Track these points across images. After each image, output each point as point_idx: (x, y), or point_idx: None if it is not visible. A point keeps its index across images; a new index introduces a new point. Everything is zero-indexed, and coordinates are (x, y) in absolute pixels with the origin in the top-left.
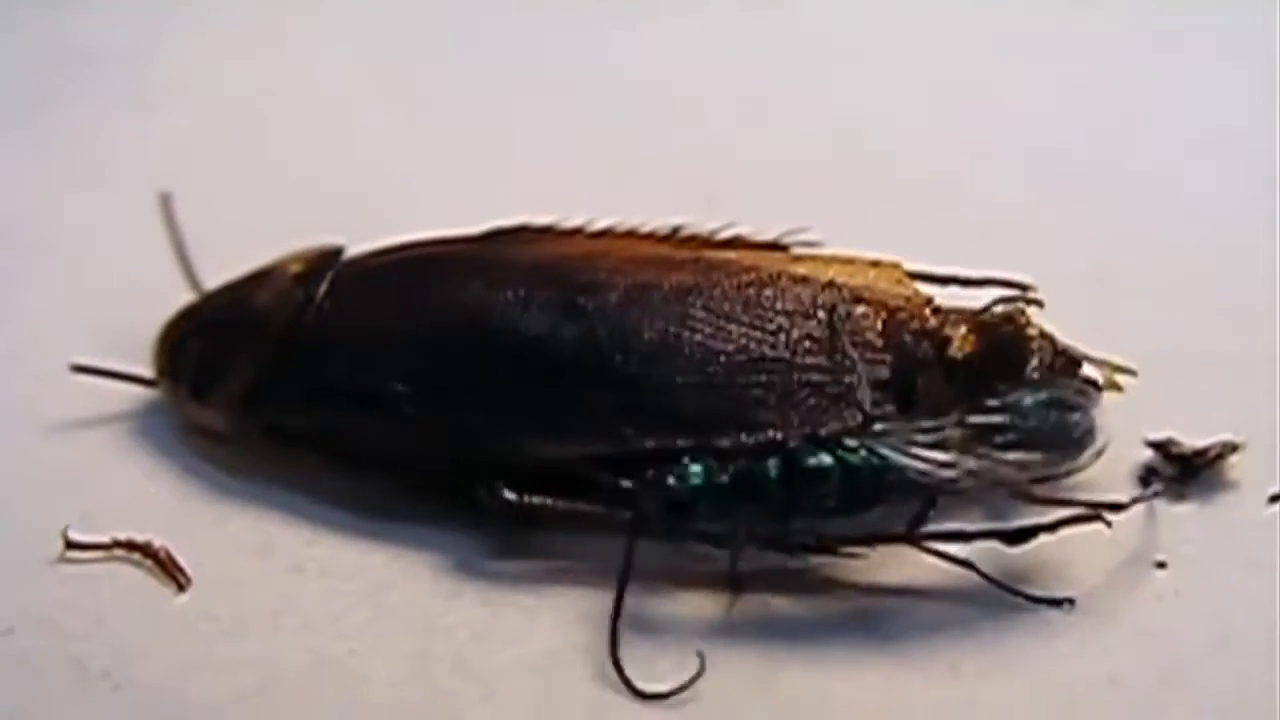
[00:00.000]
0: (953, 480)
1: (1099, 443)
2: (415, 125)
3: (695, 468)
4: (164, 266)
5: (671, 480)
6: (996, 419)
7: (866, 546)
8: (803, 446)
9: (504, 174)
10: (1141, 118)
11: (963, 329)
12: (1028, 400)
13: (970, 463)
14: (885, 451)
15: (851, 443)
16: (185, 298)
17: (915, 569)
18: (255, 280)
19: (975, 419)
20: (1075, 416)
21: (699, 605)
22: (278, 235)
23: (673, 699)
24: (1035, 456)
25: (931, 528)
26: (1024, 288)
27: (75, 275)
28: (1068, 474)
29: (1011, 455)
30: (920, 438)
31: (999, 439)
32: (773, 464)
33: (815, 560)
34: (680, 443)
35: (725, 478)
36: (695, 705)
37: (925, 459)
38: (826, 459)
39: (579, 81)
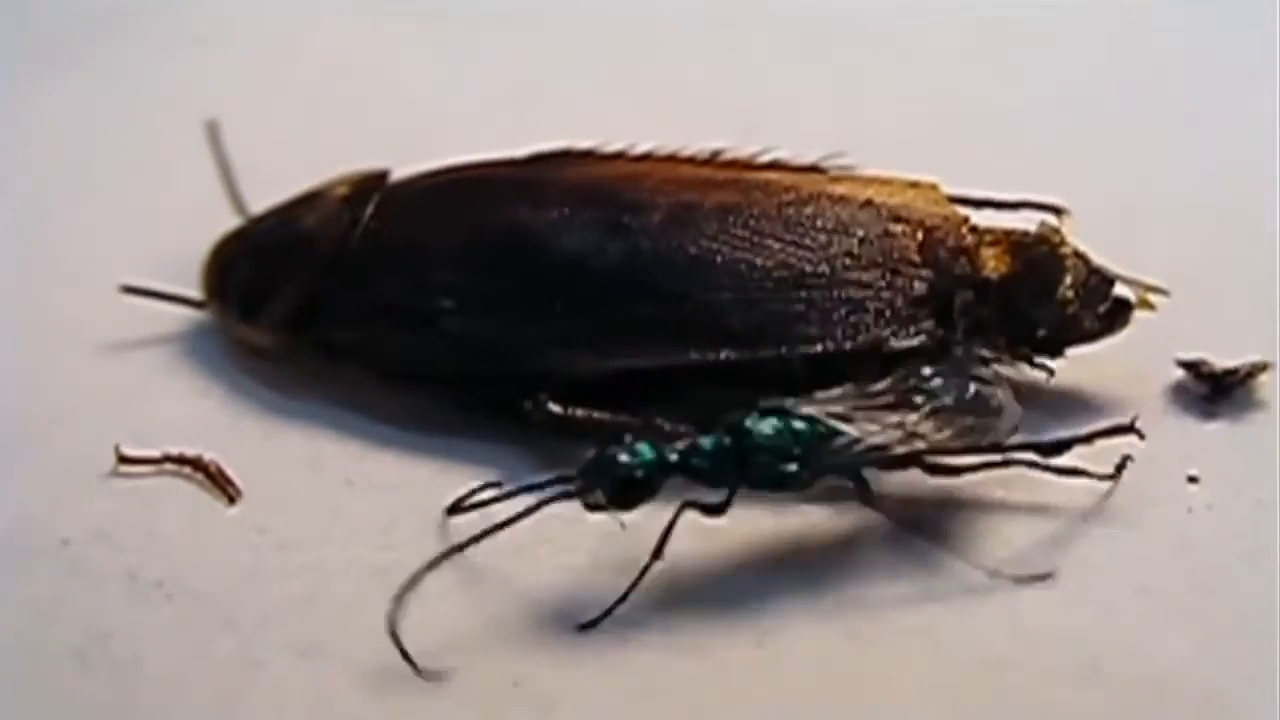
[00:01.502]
0: (886, 446)
1: (1013, 418)
2: (454, 56)
3: (643, 446)
4: (211, 193)
5: (623, 458)
6: (920, 395)
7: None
8: (751, 418)
9: (541, 104)
10: (1177, 48)
11: (998, 248)
12: (947, 378)
13: (907, 428)
14: (829, 422)
15: (797, 414)
16: (232, 223)
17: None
18: (303, 203)
19: (905, 391)
20: (989, 390)
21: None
22: (321, 163)
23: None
24: (963, 423)
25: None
26: (1058, 210)
27: (125, 202)
28: (989, 443)
29: (938, 423)
30: (858, 407)
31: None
32: (717, 438)
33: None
34: (724, 355)
35: (674, 455)
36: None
37: (866, 429)
38: (769, 429)
39: (615, 10)
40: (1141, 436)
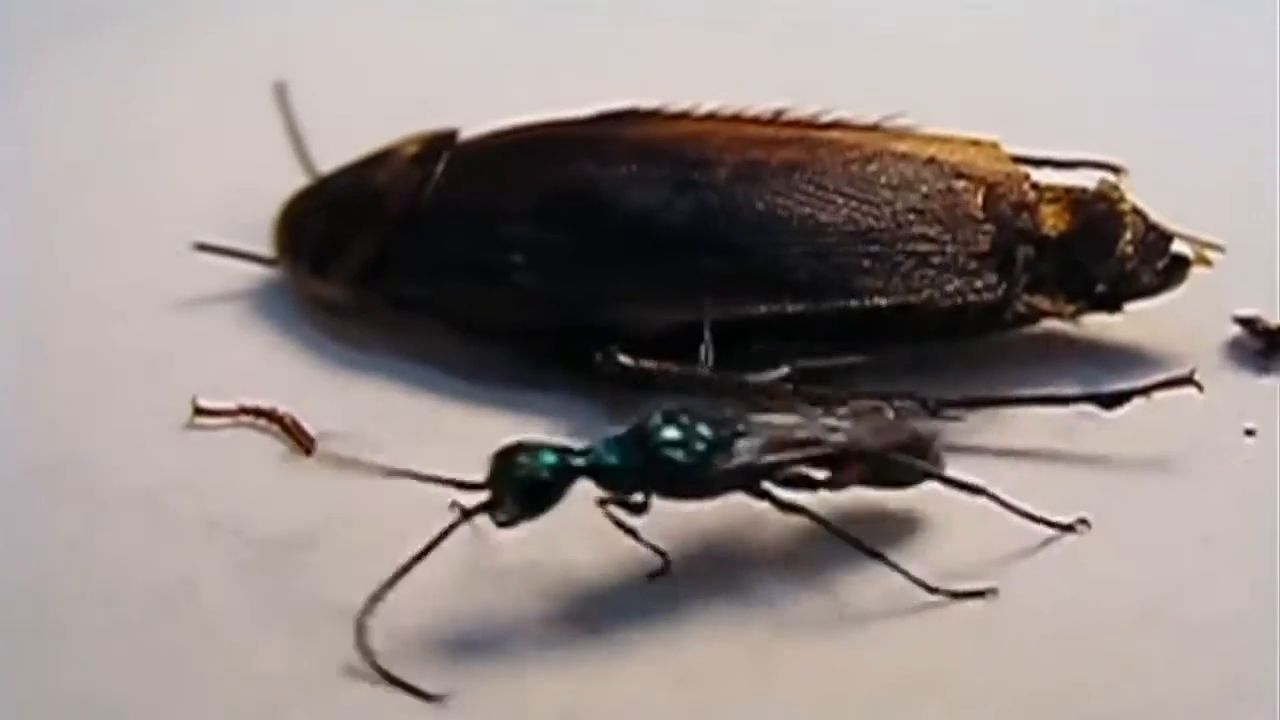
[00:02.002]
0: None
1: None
2: (518, 18)
3: (545, 450)
4: (279, 154)
5: (524, 460)
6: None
7: (967, 409)
8: (654, 419)
9: (601, 67)
10: (1238, 6)
11: (1058, 205)
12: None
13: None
14: (735, 425)
15: (701, 416)
16: (301, 182)
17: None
18: (373, 162)
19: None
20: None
21: None
22: (387, 125)
23: None
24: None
25: (1028, 391)
26: (1115, 169)
27: (195, 161)
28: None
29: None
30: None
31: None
32: (621, 440)
33: None
34: (790, 308)
35: (578, 459)
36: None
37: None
38: (673, 431)
39: None
40: (1200, 389)
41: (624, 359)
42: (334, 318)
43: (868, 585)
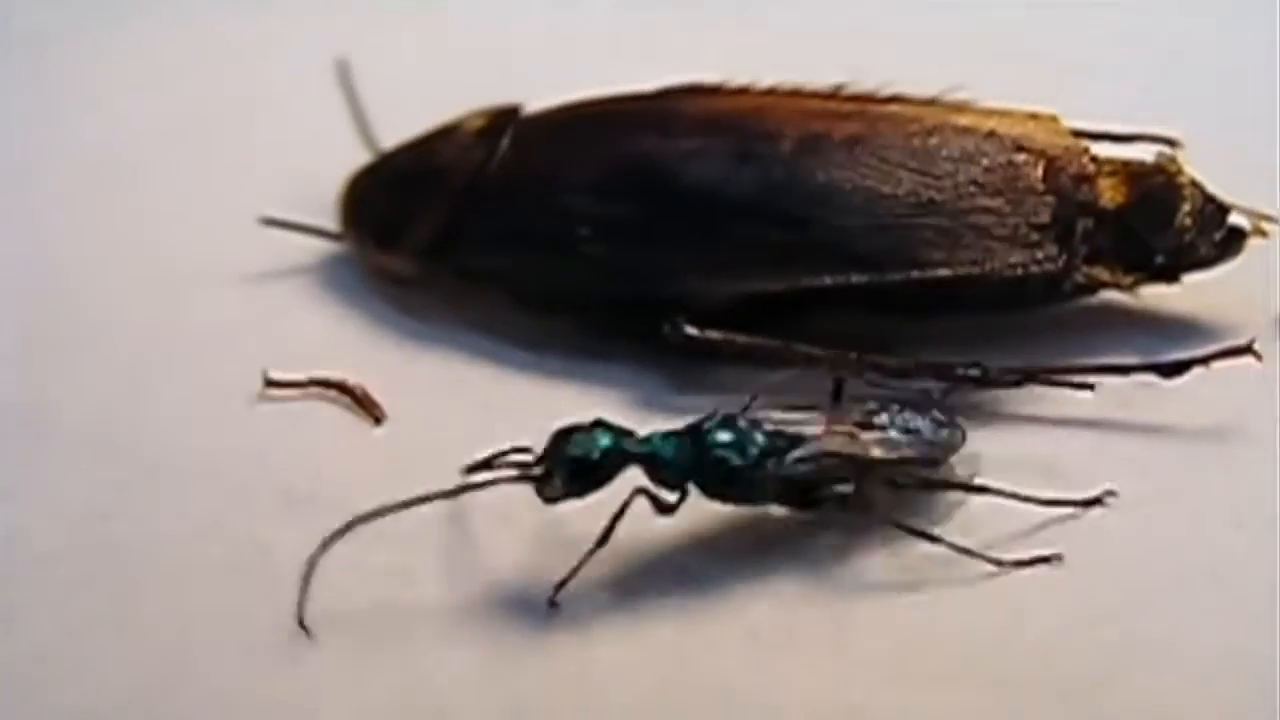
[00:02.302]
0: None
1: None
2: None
3: (601, 432)
4: (343, 131)
5: (579, 439)
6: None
7: (1029, 379)
8: (711, 422)
9: (664, 44)
10: None
11: (1116, 178)
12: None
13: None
14: (788, 432)
15: (755, 424)
16: (365, 158)
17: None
18: (438, 136)
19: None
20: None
21: None
22: (449, 101)
23: None
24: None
25: (1088, 361)
26: (1172, 142)
27: (261, 139)
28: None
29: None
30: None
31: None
32: (678, 435)
33: None
34: (854, 279)
35: (634, 447)
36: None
37: (825, 444)
38: (728, 435)
39: None
40: (1259, 358)
41: (690, 329)
42: (400, 290)
43: (936, 547)
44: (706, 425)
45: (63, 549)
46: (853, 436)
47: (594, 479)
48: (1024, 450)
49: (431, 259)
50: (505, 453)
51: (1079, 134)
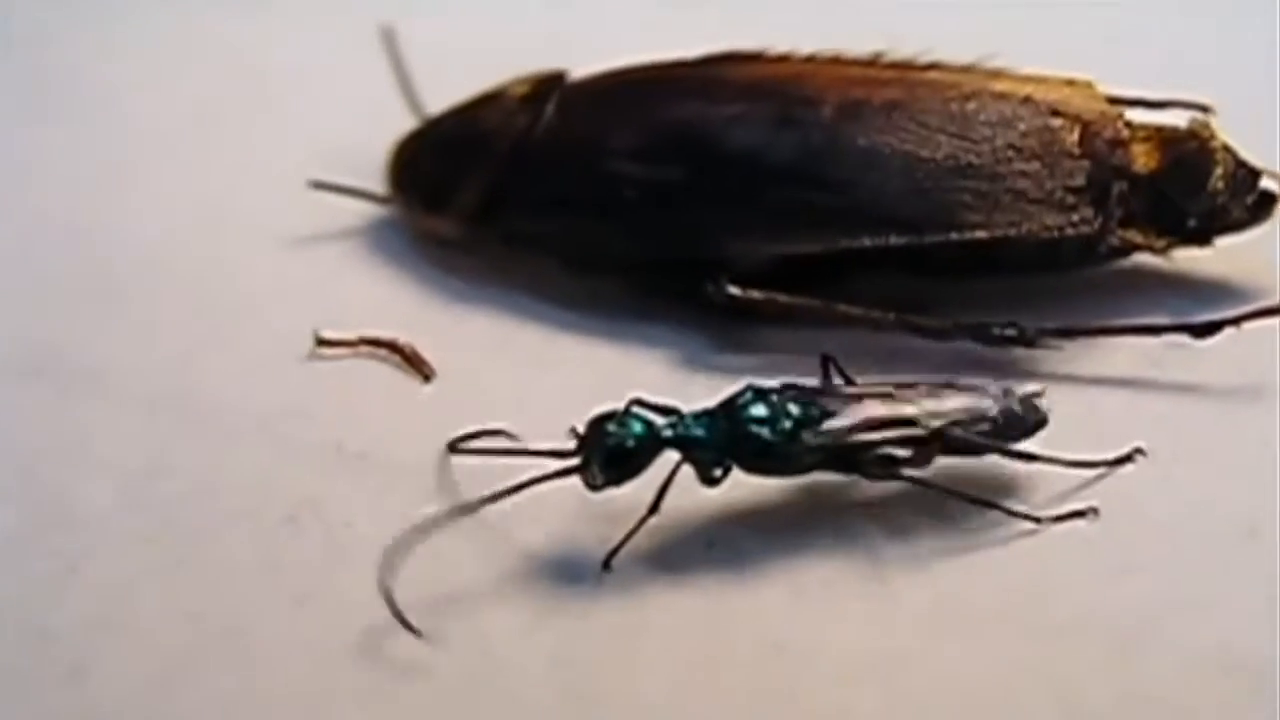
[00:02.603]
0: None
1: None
2: None
3: (634, 419)
4: (389, 97)
5: (612, 429)
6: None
7: (1065, 338)
8: (744, 397)
9: (703, 13)
10: None
11: (1150, 143)
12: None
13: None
14: (822, 404)
15: (789, 397)
16: (411, 124)
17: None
18: (484, 102)
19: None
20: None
21: None
22: (494, 69)
23: None
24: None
25: (1122, 322)
26: (1204, 108)
27: (310, 106)
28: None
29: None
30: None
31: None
32: (710, 412)
33: None
34: (893, 241)
35: (667, 431)
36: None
37: (861, 414)
38: (762, 408)
39: None
40: None
41: (732, 289)
42: (447, 253)
43: (977, 507)
44: (739, 402)
45: (115, 505)
46: (890, 398)
47: (630, 467)
48: (1059, 409)
49: (478, 222)
50: (480, 434)
51: (1114, 100)
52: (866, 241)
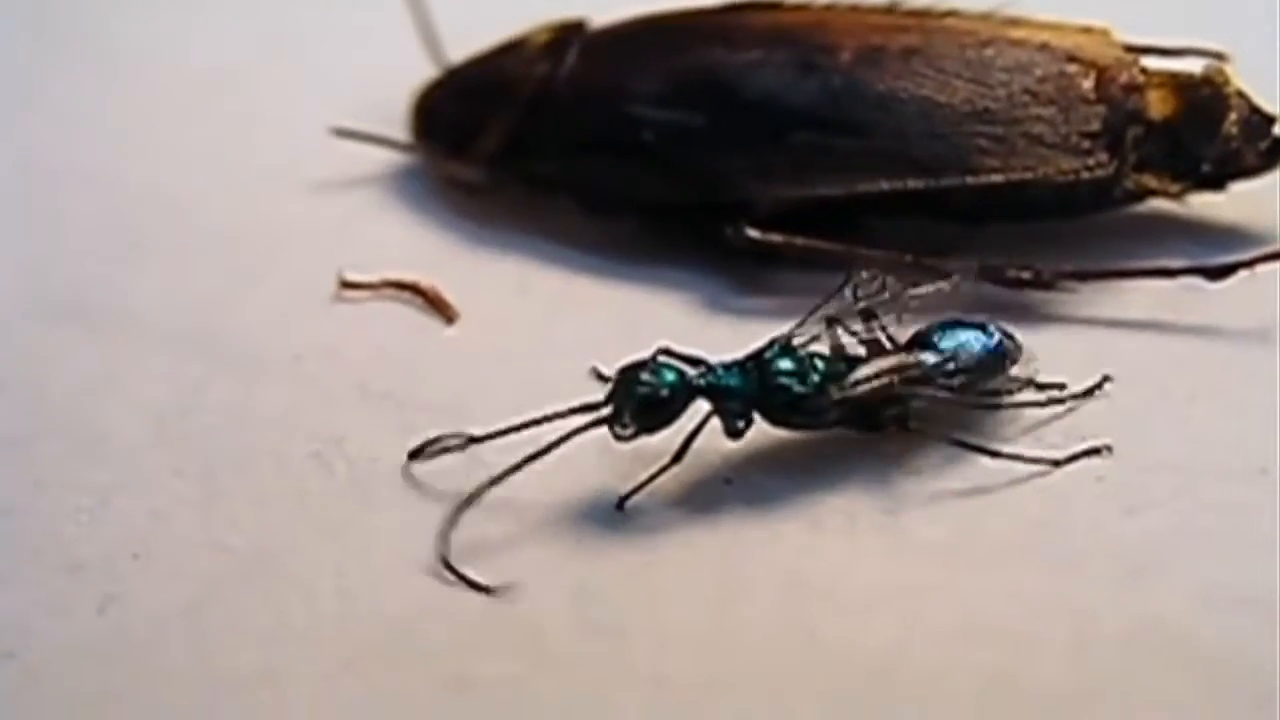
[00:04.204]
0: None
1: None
2: None
3: (666, 369)
4: (410, 46)
5: (646, 378)
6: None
7: (1080, 281)
8: (772, 351)
9: None
10: None
11: (1165, 89)
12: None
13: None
14: (848, 355)
15: (815, 351)
16: (431, 73)
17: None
18: (506, 49)
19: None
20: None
21: None
22: (515, 18)
23: None
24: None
25: (1139, 264)
26: (1220, 56)
27: (331, 53)
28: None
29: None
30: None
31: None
32: (740, 364)
33: None
34: (911, 184)
35: (699, 380)
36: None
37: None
38: (789, 362)
39: None
40: None
41: (752, 232)
42: (469, 198)
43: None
44: (767, 354)
45: (145, 440)
46: (902, 350)
47: (663, 416)
48: (1075, 350)
49: (500, 167)
50: (437, 440)
51: (1129, 47)
52: (884, 185)
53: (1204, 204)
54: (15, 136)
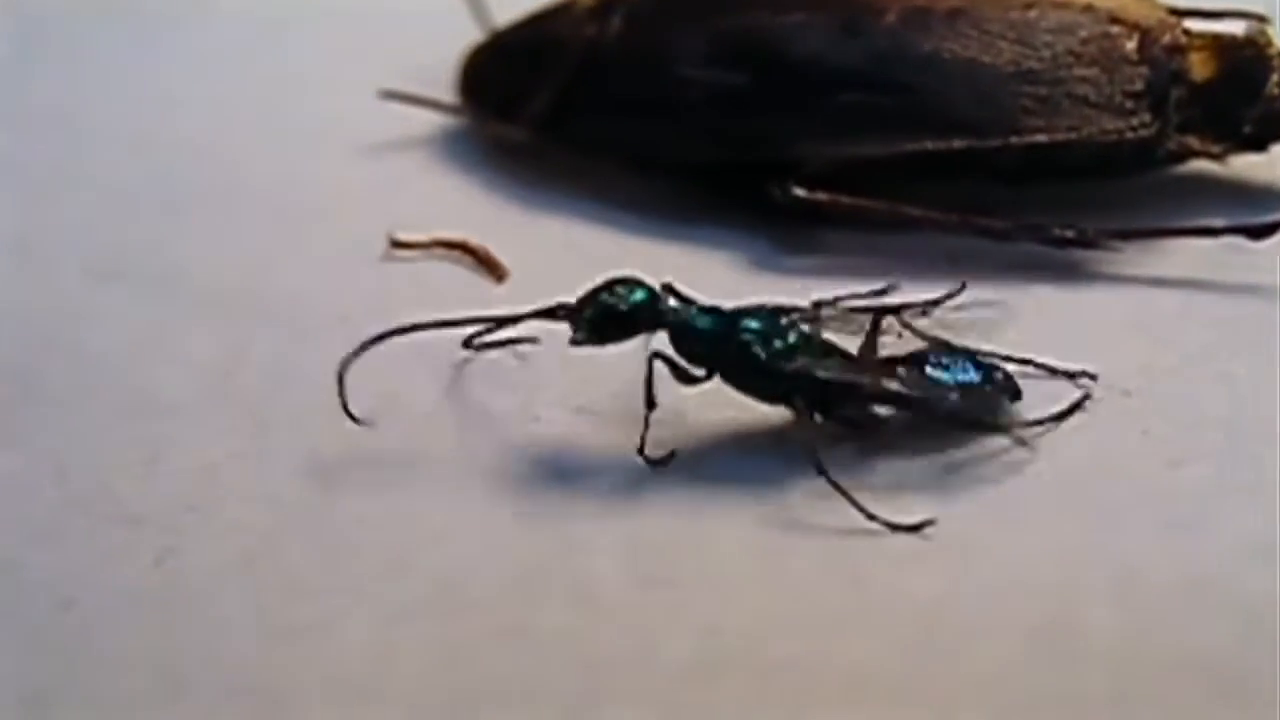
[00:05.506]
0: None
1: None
2: None
3: (640, 292)
4: (457, 9)
5: (617, 289)
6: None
7: (1124, 240)
8: (751, 311)
9: None
10: None
11: (1206, 51)
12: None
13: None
14: (823, 339)
15: (795, 323)
16: (479, 36)
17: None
18: (553, 13)
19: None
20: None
21: None
22: None
23: None
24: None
25: (1182, 224)
26: (1262, 18)
27: (379, 16)
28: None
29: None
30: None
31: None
32: (714, 316)
33: None
34: (955, 145)
35: (668, 312)
36: None
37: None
38: (762, 322)
39: None
40: None
41: (798, 191)
42: (516, 160)
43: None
44: (746, 310)
45: (199, 398)
46: (888, 373)
47: (616, 330)
48: (1117, 309)
49: (547, 128)
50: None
51: (1172, 10)
52: (929, 145)
53: (1246, 165)
54: (61, 97)
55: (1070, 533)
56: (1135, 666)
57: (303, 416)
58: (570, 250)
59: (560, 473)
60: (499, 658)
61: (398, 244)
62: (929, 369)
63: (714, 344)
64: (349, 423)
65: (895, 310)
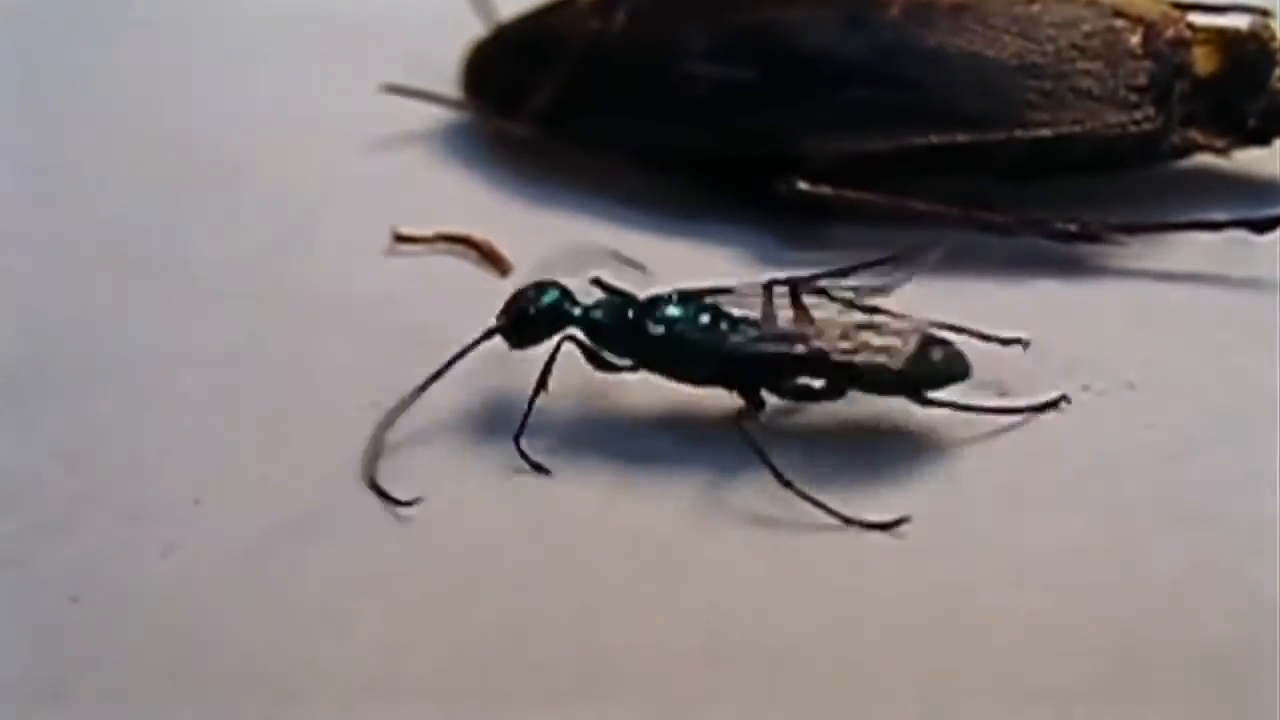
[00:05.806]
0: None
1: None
2: None
3: (552, 291)
4: (460, 4)
5: (529, 294)
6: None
7: (1128, 234)
8: (663, 298)
9: None
10: None
11: (1210, 45)
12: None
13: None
14: (735, 314)
15: (706, 304)
16: (479, 32)
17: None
18: (556, 7)
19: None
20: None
21: None
22: None
23: None
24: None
25: (1186, 218)
26: (1265, 12)
27: (382, 11)
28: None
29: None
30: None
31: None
32: (624, 304)
33: None
34: (959, 138)
35: (576, 311)
36: None
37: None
38: (673, 309)
39: None
40: None
41: (802, 185)
42: (520, 154)
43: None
44: (653, 298)
45: (206, 392)
46: (804, 335)
47: (532, 333)
48: (1121, 303)
49: (551, 123)
50: None
51: (1176, 4)
52: (934, 139)
53: (1250, 159)
54: (74, 91)
55: (1074, 525)
56: (1140, 659)
57: (310, 409)
58: (574, 246)
59: (565, 465)
60: (507, 649)
61: (402, 238)
62: (862, 334)
63: (627, 336)
64: (355, 415)
65: (810, 279)
